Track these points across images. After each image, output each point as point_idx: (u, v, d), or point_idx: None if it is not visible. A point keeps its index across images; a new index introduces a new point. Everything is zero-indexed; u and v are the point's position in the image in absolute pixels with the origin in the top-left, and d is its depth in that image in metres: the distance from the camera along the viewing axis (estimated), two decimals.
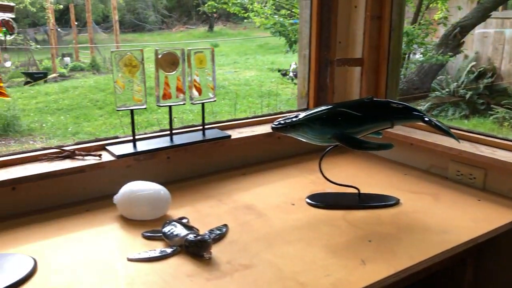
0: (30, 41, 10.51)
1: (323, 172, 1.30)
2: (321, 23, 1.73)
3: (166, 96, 1.41)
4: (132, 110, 1.37)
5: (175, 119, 5.24)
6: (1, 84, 0.89)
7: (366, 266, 0.99)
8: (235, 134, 1.56)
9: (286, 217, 1.22)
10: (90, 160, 1.31)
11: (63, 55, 11.28)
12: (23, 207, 1.23)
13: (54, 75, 9.32)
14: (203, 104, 1.49)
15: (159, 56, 1.38)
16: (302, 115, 1.23)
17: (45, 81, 8.73)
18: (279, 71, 8.08)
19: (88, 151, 1.34)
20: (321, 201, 1.30)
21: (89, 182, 1.32)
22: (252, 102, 6.96)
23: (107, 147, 1.38)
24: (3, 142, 5.79)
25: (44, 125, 6.50)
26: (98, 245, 1.08)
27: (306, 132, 1.22)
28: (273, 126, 1.24)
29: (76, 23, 12.54)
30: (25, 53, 10.10)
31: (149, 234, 1.12)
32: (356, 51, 1.73)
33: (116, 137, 1.45)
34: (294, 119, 1.22)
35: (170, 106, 1.44)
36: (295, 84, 5.59)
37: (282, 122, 1.23)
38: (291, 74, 8.41)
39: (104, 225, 1.18)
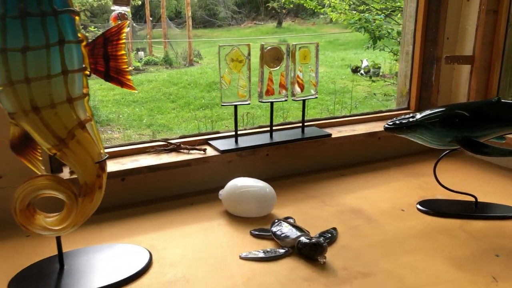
0: None
1: (437, 177, 1.21)
2: (427, 18, 1.62)
3: (269, 92, 1.38)
4: (235, 106, 1.36)
5: (248, 113, 5.26)
6: (129, 77, 0.90)
7: (498, 284, 0.90)
8: (335, 132, 1.51)
9: (398, 224, 1.15)
10: (195, 154, 1.31)
11: (138, 50, 11.73)
12: (131, 198, 1.26)
13: (129, 68, 9.70)
14: (304, 101, 1.45)
15: (265, 51, 1.35)
16: (418, 115, 1.15)
17: None
18: (356, 69, 7.86)
19: (192, 145, 1.34)
20: (433, 208, 1.22)
21: (193, 175, 1.32)
22: (322, 99, 6.83)
23: (210, 142, 1.38)
24: None
25: (120, 116, 6.79)
26: (208, 241, 1.07)
27: (424, 133, 1.13)
28: (387, 126, 1.17)
29: (150, 18, 13.00)
30: None
31: (257, 233, 1.10)
32: (465, 48, 1.61)
33: (218, 132, 1.44)
34: (411, 120, 1.14)
35: (271, 103, 1.41)
36: (373, 81, 5.40)
37: (397, 122, 1.16)
38: (362, 71, 8.18)
39: (210, 220, 1.17)
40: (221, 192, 1.22)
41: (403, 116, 1.18)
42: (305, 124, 1.51)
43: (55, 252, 0.99)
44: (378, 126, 1.58)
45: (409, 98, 1.70)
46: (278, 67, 1.38)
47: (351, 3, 5.29)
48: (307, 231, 1.05)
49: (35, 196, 0.83)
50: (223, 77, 1.32)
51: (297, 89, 1.42)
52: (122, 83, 0.89)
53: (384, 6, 5.11)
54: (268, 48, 1.36)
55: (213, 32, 16.48)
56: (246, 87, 1.34)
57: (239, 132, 1.43)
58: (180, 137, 1.39)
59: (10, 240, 1.08)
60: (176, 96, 7.94)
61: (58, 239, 0.93)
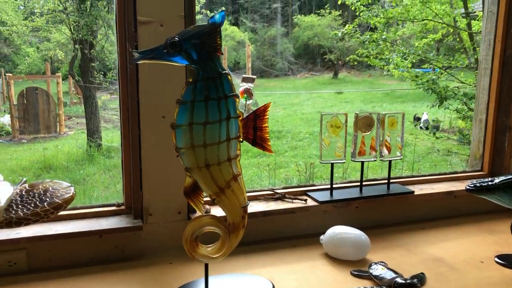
0: None
1: None
2: (500, 91, 1.83)
3: (361, 153, 1.63)
4: (332, 164, 1.61)
5: (311, 163, 5.50)
6: (269, 143, 1.17)
7: None
8: (416, 190, 1.71)
9: (479, 274, 1.33)
10: (298, 203, 1.56)
11: None
12: (247, 237, 1.49)
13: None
14: (390, 161, 1.68)
15: (359, 118, 1.61)
16: (497, 180, 1.35)
17: None
18: (418, 120, 8.03)
19: (294, 195, 1.60)
20: (511, 262, 1.38)
21: (296, 221, 1.56)
22: None
23: (308, 193, 1.63)
24: None
25: None
26: (316, 276, 1.30)
27: (502, 196, 1.33)
28: (469, 187, 1.38)
29: None
30: None
31: (357, 273, 1.31)
32: None
33: (313, 185, 1.69)
34: (490, 183, 1.34)
35: (362, 162, 1.65)
36: (436, 137, 5.51)
37: (478, 185, 1.36)
38: (421, 125, 8.27)
39: (314, 260, 1.40)
40: (322, 237, 1.45)
41: (482, 180, 1.38)
42: (390, 181, 1.73)
43: (195, 277, 1.25)
44: (455, 186, 1.77)
45: (482, 162, 1.89)
46: (370, 132, 1.63)
47: (413, 61, 5.51)
48: (401, 274, 1.26)
49: (201, 231, 1.11)
50: (323, 140, 1.58)
51: (385, 151, 1.65)
52: (264, 148, 1.16)
53: (447, 65, 5.29)
54: (362, 116, 1.62)
55: (269, 82, 17.11)
56: (342, 149, 1.60)
57: (334, 186, 1.67)
58: (283, 188, 1.65)
59: (158, 266, 1.36)
60: None
61: (206, 266, 1.19)
